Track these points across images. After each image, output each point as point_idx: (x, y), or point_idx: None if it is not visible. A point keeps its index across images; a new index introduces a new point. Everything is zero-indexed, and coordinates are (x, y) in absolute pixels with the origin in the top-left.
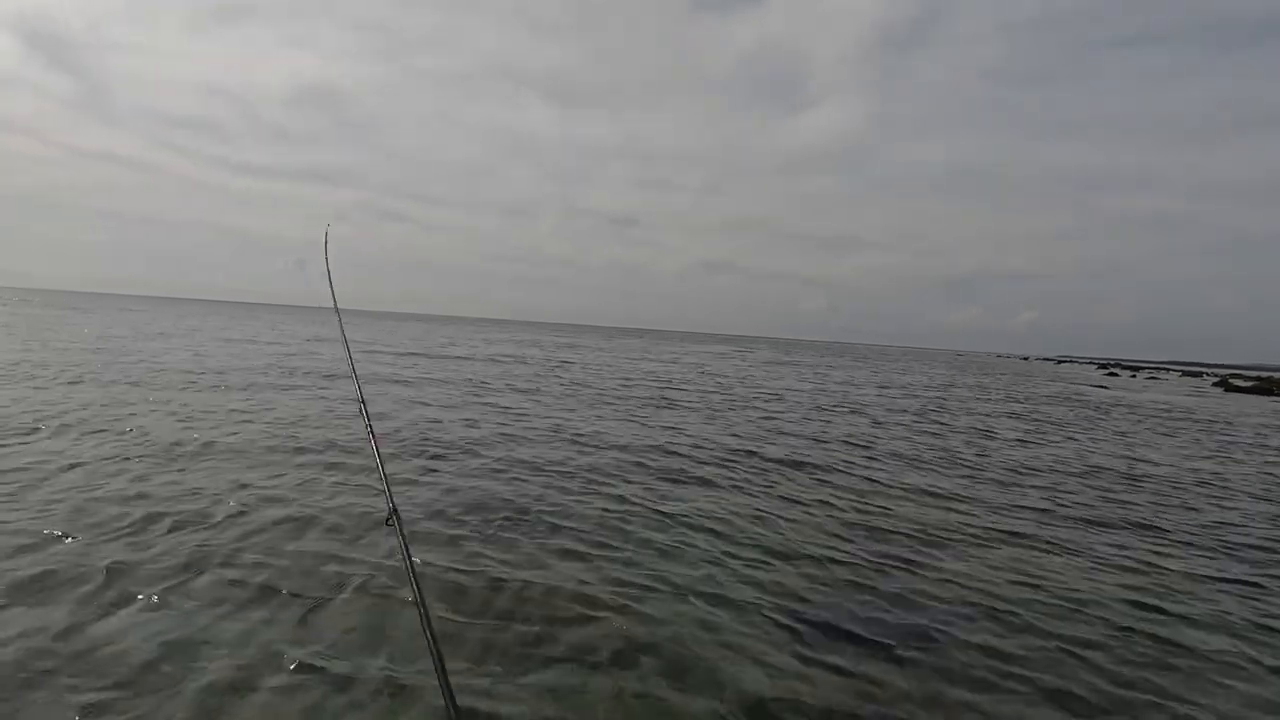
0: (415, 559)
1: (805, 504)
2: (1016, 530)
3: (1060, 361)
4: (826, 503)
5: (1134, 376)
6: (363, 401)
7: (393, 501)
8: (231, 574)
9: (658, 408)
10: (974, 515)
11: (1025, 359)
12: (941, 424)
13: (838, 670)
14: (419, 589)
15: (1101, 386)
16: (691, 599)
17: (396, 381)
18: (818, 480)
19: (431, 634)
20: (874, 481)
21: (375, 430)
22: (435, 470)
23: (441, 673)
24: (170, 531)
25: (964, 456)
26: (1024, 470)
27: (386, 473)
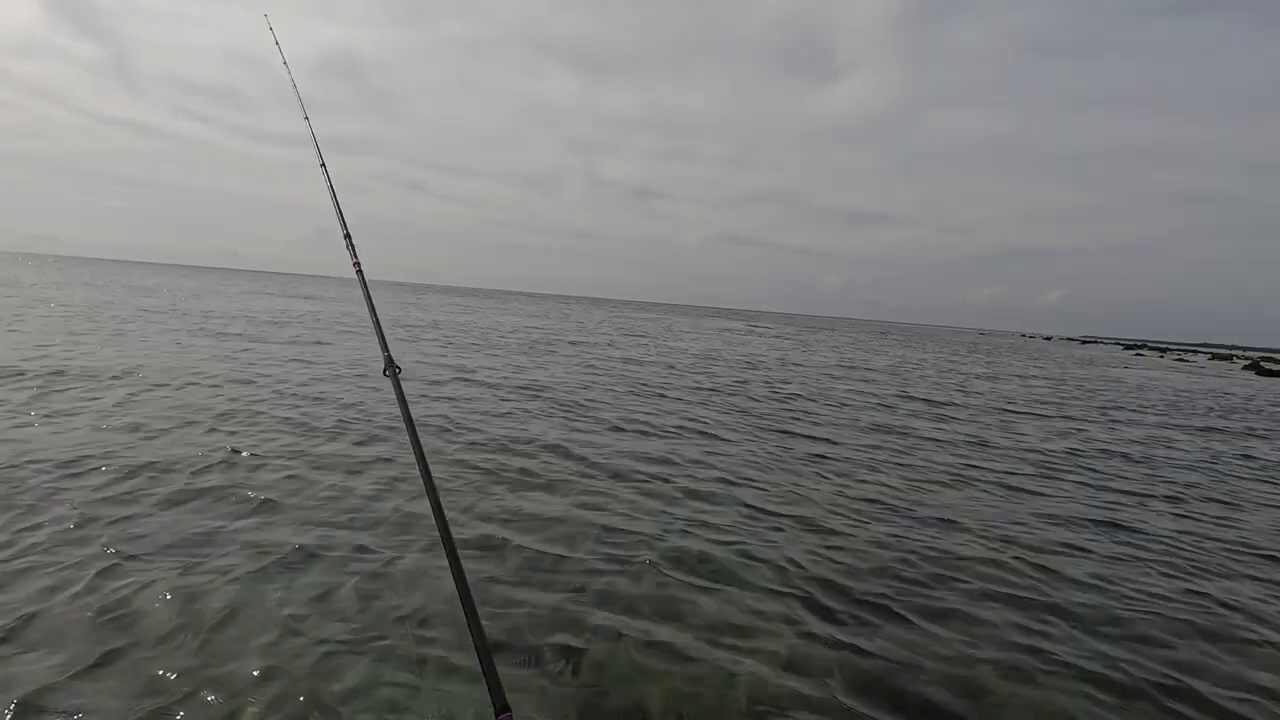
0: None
1: None
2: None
3: (1085, 342)
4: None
5: (1161, 357)
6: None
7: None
8: None
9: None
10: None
11: (1048, 339)
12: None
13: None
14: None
15: (1126, 367)
16: None
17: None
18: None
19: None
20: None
21: None
22: None
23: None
24: None
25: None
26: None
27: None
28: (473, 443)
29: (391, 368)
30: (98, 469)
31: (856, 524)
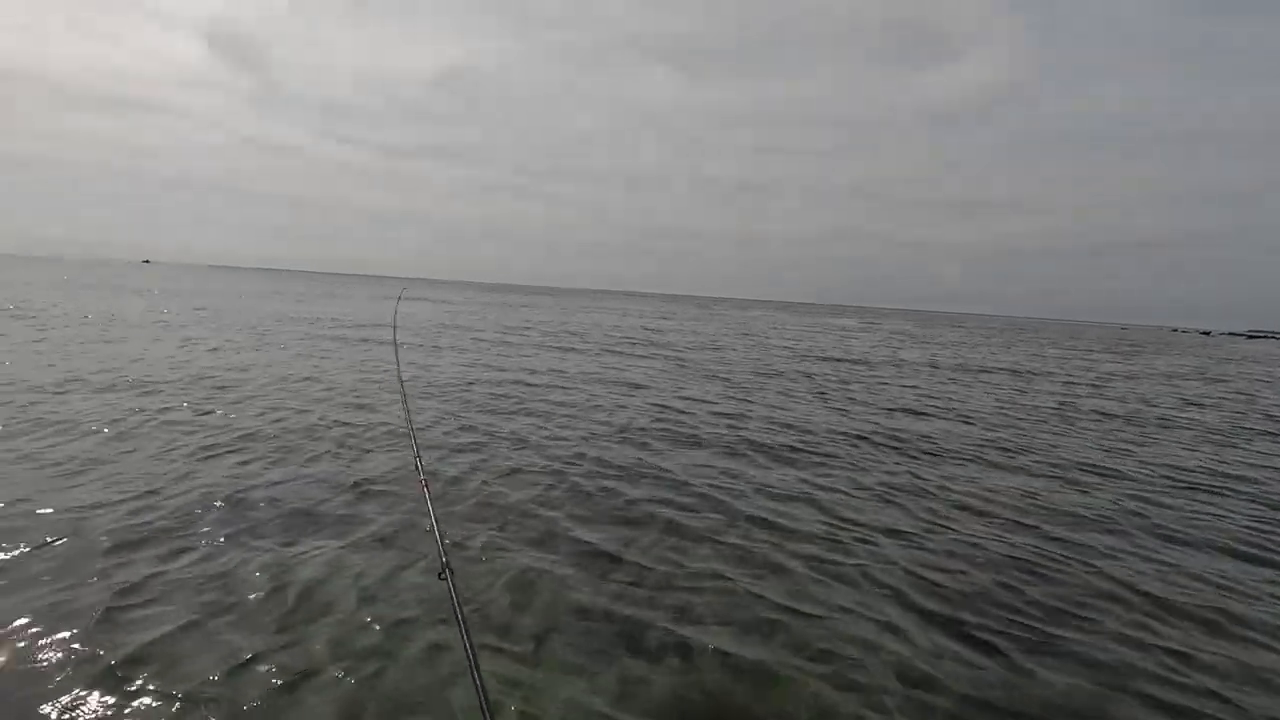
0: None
1: None
2: None
3: (1252, 337)
4: None
5: None
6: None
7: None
8: None
9: None
10: None
11: (1206, 333)
12: None
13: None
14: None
15: None
16: None
17: None
18: None
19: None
20: None
21: None
22: None
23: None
24: None
25: None
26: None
27: None
28: (556, 439)
29: (446, 569)
30: (227, 454)
31: (961, 543)
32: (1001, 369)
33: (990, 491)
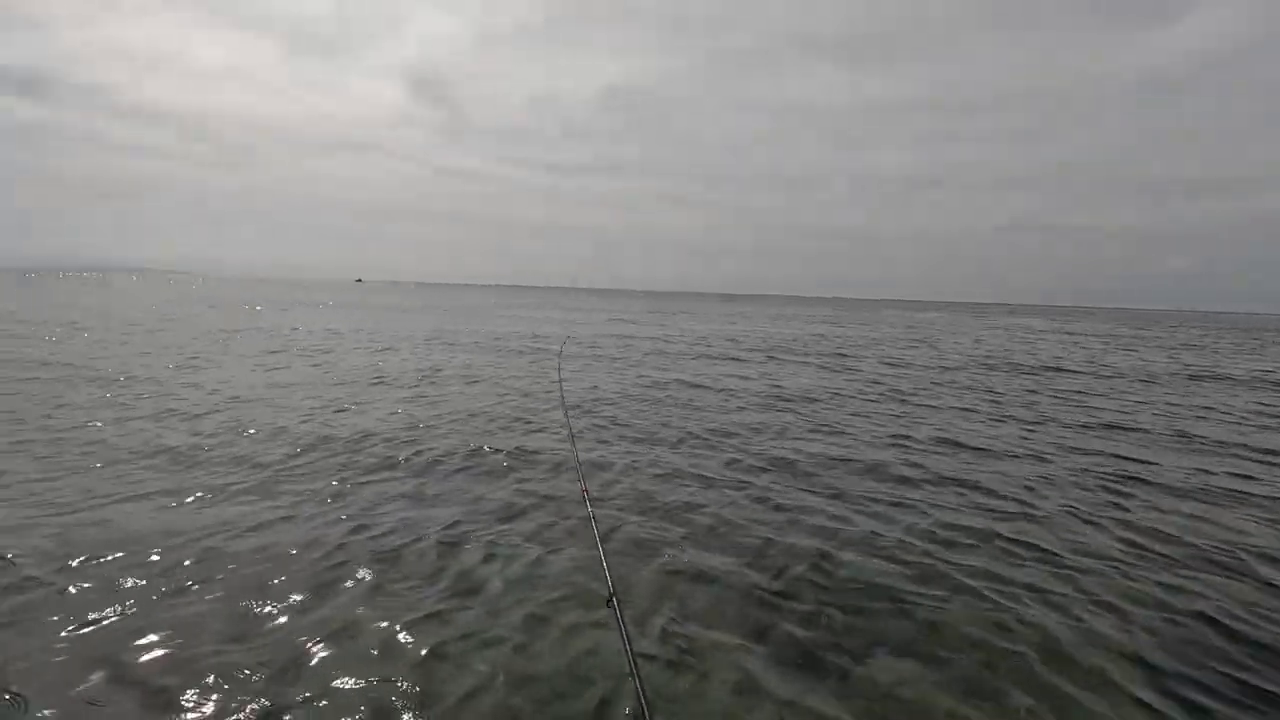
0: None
1: None
2: None
3: None
4: None
5: None
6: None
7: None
8: None
9: None
10: None
11: None
12: None
13: None
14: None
15: None
16: None
17: None
18: None
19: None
20: None
21: None
22: None
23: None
24: None
25: None
26: None
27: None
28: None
29: (614, 599)
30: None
31: (1164, 588)
32: (1242, 378)
33: (1209, 527)
